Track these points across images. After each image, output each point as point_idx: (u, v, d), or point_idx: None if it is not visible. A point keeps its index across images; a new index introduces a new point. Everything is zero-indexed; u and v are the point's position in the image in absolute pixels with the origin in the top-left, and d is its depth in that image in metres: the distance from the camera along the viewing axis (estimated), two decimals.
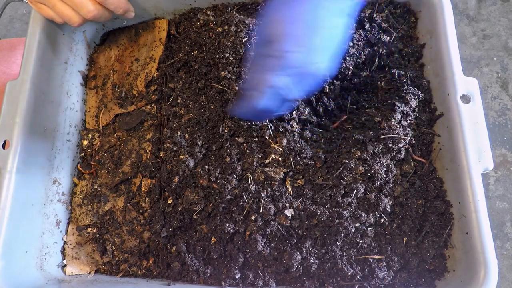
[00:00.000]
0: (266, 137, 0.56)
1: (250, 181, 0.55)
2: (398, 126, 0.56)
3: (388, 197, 0.55)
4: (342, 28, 0.44)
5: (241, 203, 0.55)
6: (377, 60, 0.62)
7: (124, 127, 0.66)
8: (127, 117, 0.67)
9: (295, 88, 0.43)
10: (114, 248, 0.61)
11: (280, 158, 0.56)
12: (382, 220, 0.55)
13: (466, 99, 0.55)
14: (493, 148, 1.52)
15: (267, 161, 0.56)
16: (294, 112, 0.58)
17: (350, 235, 0.54)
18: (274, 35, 0.42)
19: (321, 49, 0.43)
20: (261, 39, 0.44)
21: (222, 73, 0.60)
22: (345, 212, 0.54)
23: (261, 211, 0.54)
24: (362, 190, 0.55)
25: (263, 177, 0.55)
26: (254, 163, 0.56)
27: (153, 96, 0.67)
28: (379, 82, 0.61)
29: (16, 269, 0.54)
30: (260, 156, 0.56)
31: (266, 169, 0.55)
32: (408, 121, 0.57)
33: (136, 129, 0.66)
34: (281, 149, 0.56)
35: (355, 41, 0.63)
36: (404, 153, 0.57)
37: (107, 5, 0.57)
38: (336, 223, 0.53)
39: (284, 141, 0.56)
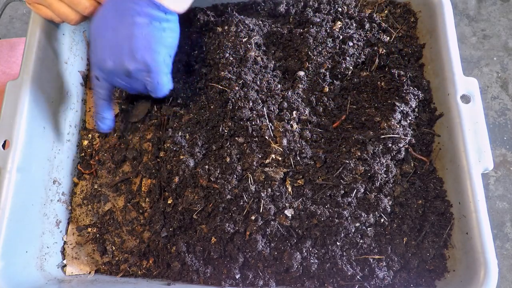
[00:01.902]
0: (266, 137, 0.56)
1: (250, 181, 0.55)
2: (398, 126, 0.56)
3: (388, 197, 0.55)
4: (126, 32, 0.52)
5: (241, 203, 0.55)
6: (377, 60, 0.62)
7: (132, 119, 0.66)
8: (132, 110, 0.67)
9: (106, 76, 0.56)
10: (114, 248, 0.61)
11: (280, 158, 0.56)
12: (382, 220, 0.55)
13: (466, 99, 0.55)
14: (493, 148, 1.52)
15: (267, 161, 0.56)
16: (294, 112, 0.58)
17: (350, 235, 0.54)
18: None
19: (102, 45, 0.53)
20: None
21: (222, 73, 0.60)
22: (345, 212, 0.54)
23: (261, 211, 0.54)
24: (362, 190, 0.55)
25: (263, 177, 0.55)
26: (254, 163, 0.56)
27: None
28: (379, 82, 0.61)
29: (16, 269, 0.54)
30: (260, 156, 0.56)
31: (266, 169, 0.55)
32: (408, 121, 0.57)
33: (143, 121, 0.66)
34: (281, 149, 0.56)
35: (355, 41, 0.63)
36: (404, 153, 0.57)
37: (102, 1, 0.57)
38: (336, 223, 0.53)
39: (284, 141, 0.56)
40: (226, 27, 0.64)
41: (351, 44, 0.62)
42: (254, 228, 0.54)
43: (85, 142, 0.68)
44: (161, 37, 0.53)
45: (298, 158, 0.56)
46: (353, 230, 0.54)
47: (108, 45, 0.53)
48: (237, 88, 0.59)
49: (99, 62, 0.54)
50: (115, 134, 0.67)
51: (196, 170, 0.58)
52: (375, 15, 0.65)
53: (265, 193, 0.55)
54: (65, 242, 0.62)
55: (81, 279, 0.59)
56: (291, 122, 0.58)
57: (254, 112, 0.58)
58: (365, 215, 0.54)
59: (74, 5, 0.56)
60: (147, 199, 0.62)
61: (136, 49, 0.52)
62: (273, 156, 0.56)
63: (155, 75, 0.54)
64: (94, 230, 0.63)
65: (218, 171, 0.57)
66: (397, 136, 0.55)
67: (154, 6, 0.52)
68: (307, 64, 0.61)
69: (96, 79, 0.56)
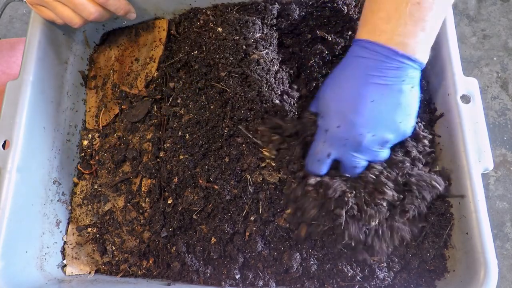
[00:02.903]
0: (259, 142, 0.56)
1: (249, 182, 0.55)
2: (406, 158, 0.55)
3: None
4: (392, 102, 0.48)
5: (241, 204, 0.55)
6: None
7: (132, 119, 0.66)
8: (132, 110, 0.67)
9: (345, 156, 0.50)
10: (114, 248, 0.61)
11: (274, 164, 0.55)
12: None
13: (466, 99, 0.55)
14: (493, 148, 1.51)
15: (263, 164, 0.56)
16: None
17: None
18: (323, 111, 0.51)
19: (363, 122, 0.47)
20: (319, 113, 0.52)
21: (222, 73, 0.60)
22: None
23: (260, 212, 0.54)
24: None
25: (261, 179, 0.55)
26: (252, 164, 0.56)
27: (156, 94, 0.67)
28: None
29: (16, 269, 0.54)
30: (257, 158, 0.56)
31: (263, 171, 0.55)
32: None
33: (143, 121, 0.66)
34: (273, 156, 0.55)
35: None
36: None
37: (107, 7, 0.57)
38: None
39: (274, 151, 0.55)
40: (226, 27, 0.64)
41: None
42: (254, 228, 0.54)
43: (85, 142, 0.68)
44: (416, 103, 0.49)
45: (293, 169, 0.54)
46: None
47: (366, 119, 0.47)
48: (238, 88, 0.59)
49: (352, 136, 0.48)
50: (115, 134, 0.67)
51: (196, 170, 0.58)
52: None
53: (264, 194, 0.55)
54: (65, 242, 0.62)
55: (81, 279, 0.59)
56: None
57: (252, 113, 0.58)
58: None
59: (79, 10, 0.56)
60: (147, 199, 0.62)
61: (401, 119, 0.48)
62: (268, 160, 0.56)
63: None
64: (94, 230, 0.63)
65: (218, 172, 0.57)
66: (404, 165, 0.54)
67: (417, 68, 0.48)
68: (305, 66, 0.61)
69: (326, 157, 0.50)
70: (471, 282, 0.49)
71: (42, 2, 0.56)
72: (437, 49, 0.59)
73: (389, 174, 0.52)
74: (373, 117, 0.47)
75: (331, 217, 0.50)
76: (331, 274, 0.54)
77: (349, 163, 0.50)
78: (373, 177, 0.51)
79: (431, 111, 0.60)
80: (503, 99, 1.58)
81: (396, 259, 0.54)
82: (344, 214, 0.50)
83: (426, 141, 0.56)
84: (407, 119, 0.49)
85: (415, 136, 0.56)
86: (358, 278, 0.53)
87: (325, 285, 0.54)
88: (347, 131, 0.48)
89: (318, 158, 0.51)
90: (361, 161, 0.50)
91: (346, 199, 0.50)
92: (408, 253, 0.55)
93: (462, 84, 0.56)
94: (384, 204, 0.50)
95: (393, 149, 0.55)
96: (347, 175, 0.52)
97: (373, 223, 0.50)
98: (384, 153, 0.51)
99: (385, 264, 0.54)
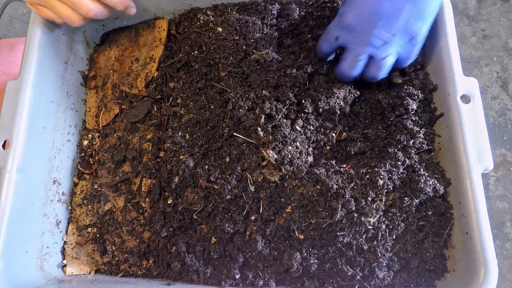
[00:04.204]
0: (254, 142, 0.56)
1: (250, 181, 0.55)
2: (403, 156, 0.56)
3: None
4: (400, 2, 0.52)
5: (241, 203, 0.55)
6: None
7: (132, 119, 0.66)
8: (132, 110, 0.67)
9: (350, 43, 0.54)
10: (114, 248, 0.61)
11: (274, 163, 0.55)
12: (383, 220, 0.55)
13: (466, 99, 0.55)
14: (493, 148, 1.52)
15: (264, 163, 0.56)
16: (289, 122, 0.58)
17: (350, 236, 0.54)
18: (344, 3, 0.55)
19: (372, 12, 0.52)
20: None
21: (222, 73, 0.60)
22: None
23: (260, 211, 0.54)
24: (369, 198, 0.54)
25: (262, 178, 0.55)
26: (253, 163, 0.56)
27: (156, 94, 0.66)
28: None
29: (16, 269, 0.54)
30: (257, 158, 0.56)
31: (264, 170, 0.55)
32: (409, 151, 0.57)
33: (143, 121, 0.66)
34: (274, 157, 0.55)
35: None
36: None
37: (106, 2, 0.57)
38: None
39: (274, 153, 0.55)
40: (226, 27, 0.64)
41: None
42: (254, 228, 0.54)
43: (85, 142, 0.68)
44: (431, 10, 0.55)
45: (296, 170, 0.54)
46: (353, 231, 0.54)
47: (377, 10, 0.52)
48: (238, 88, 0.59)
49: (361, 22, 0.52)
50: (115, 134, 0.67)
51: (196, 170, 0.58)
52: None
53: (264, 193, 0.55)
54: (65, 242, 0.62)
55: (81, 279, 0.59)
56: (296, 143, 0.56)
57: (252, 112, 0.58)
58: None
59: (77, 8, 0.55)
60: (147, 199, 0.62)
61: (408, 20, 0.53)
62: (268, 159, 0.55)
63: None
64: (94, 230, 0.63)
65: (218, 171, 0.57)
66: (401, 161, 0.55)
67: None
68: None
69: (334, 39, 0.55)
70: (471, 282, 0.49)
71: (41, 1, 0.56)
72: (437, 49, 0.59)
73: (384, 168, 0.54)
74: (384, 10, 0.52)
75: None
76: (331, 273, 0.54)
77: (352, 51, 0.54)
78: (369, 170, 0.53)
79: (431, 111, 0.60)
80: (503, 99, 1.59)
81: (396, 259, 0.54)
82: (339, 207, 0.51)
83: (421, 135, 0.56)
84: (414, 23, 0.53)
85: (409, 132, 0.57)
86: (358, 277, 0.53)
87: (325, 285, 0.54)
88: (357, 17, 0.53)
89: (327, 39, 0.57)
90: (363, 54, 0.53)
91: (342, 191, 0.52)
92: (408, 253, 0.55)
93: (462, 84, 0.56)
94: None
95: (390, 143, 0.56)
96: (345, 73, 0.55)
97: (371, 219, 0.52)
98: (383, 53, 0.54)
99: (385, 264, 0.54)
